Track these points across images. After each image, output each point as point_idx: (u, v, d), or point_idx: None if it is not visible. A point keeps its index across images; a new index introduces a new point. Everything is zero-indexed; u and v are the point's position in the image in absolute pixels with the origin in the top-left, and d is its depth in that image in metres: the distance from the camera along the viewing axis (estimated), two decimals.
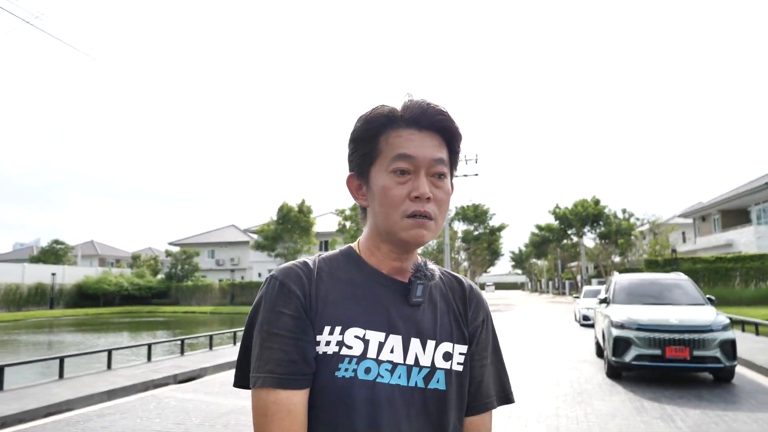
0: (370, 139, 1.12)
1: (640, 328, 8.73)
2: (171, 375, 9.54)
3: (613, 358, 8.96)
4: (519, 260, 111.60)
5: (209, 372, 10.44)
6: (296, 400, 1.01)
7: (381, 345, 1.07)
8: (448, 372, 1.11)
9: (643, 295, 10.21)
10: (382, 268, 1.14)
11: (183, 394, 8.47)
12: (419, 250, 1.17)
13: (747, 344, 12.69)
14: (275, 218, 48.13)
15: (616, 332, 8.98)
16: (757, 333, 15.25)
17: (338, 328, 1.06)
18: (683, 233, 58.56)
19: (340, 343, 1.04)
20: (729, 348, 8.44)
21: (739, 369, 9.82)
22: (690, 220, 55.29)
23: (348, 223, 47.31)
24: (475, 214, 54.29)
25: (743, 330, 16.24)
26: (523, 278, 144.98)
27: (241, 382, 1.11)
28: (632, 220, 55.18)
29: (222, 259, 61.60)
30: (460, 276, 1.26)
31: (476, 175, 42.19)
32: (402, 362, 1.07)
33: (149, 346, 11.54)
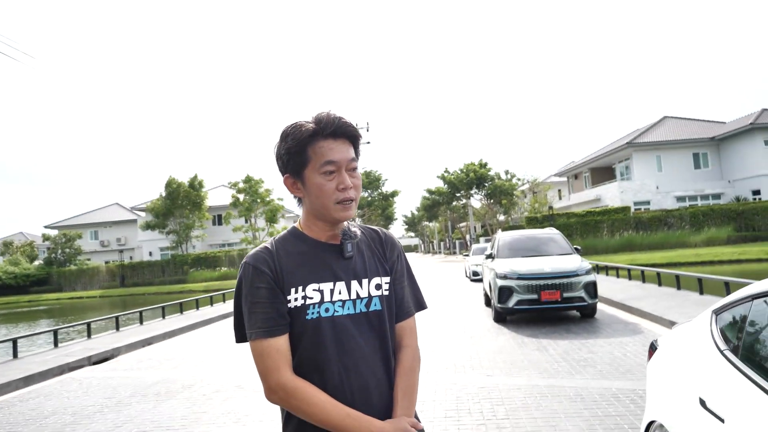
0: (300, 151, 1.57)
1: (520, 277, 10.09)
2: (85, 357, 9.64)
3: (499, 305, 10.28)
4: (412, 223, 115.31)
5: (123, 351, 10.60)
6: (280, 342, 1.53)
7: (331, 291, 1.58)
8: (381, 297, 1.63)
9: (522, 249, 11.63)
10: (320, 238, 1.64)
11: (103, 373, 8.69)
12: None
13: (609, 285, 14.73)
14: (164, 194, 46.46)
15: (500, 282, 10.28)
16: (618, 275, 17.58)
17: (300, 287, 1.56)
18: (559, 191, 63.54)
19: (304, 297, 1.55)
20: (591, 289, 10.02)
21: (601, 305, 11.57)
22: (564, 179, 60.13)
23: (242, 196, 46.73)
24: (368, 181, 55.49)
25: (607, 274, 18.60)
26: (416, 241, 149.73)
27: (239, 339, 1.63)
28: (514, 180, 58.81)
29: (107, 239, 58.50)
30: (377, 228, 1.78)
31: (368, 143, 43.14)
32: (348, 298, 1.59)
33: (55, 332, 11.42)
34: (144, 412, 6.00)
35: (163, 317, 15.40)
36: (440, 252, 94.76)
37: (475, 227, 64.96)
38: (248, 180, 47.48)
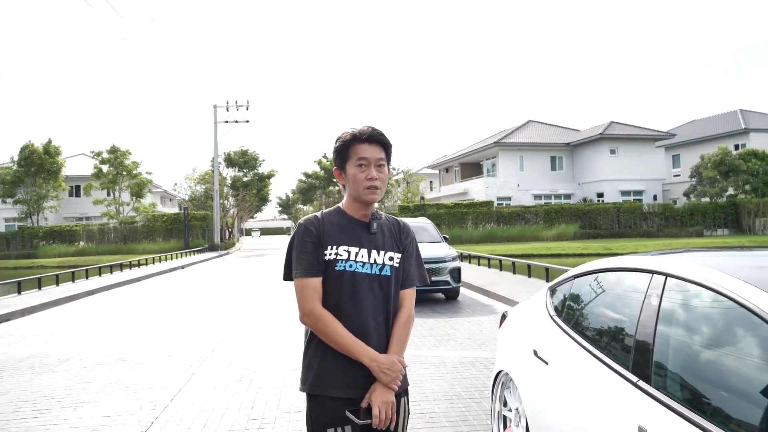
0: (344, 150, 2.15)
1: None
2: None
3: None
4: (286, 206, 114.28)
5: None
6: (316, 282, 2.07)
7: (356, 253, 2.12)
8: (391, 267, 2.15)
9: None
10: (355, 215, 2.18)
11: None
12: (375, 205, 2.28)
13: (471, 272, 16.18)
14: (16, 159, 42.29)
15: None
16: (479, 263, 19.24)
17: (334, 246, 2.11)
18: (431, 182, 66.61)
19: (336, 254, 2.10)
20: (456, 274, 11.12)
21: (463, 289, 12.80)
22: (436, 171, 63.13)
23: (106, 167, 43.82)
24: (243, 160, 54.30)
25: (470, 262, 20.26)
26: (288, 223, 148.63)
27: (286, 278, 2.16)
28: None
29: None
30: (399, 218, 2.32)
31: (247, 121, 42.39)
32: (367, 261, 2.12)
33: None
34: (21, 384, 5.93)
35: (19, 293, 14.45)
36: None
37: None
38: (114, 150, 44.60)
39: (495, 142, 45.22)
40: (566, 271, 12.08)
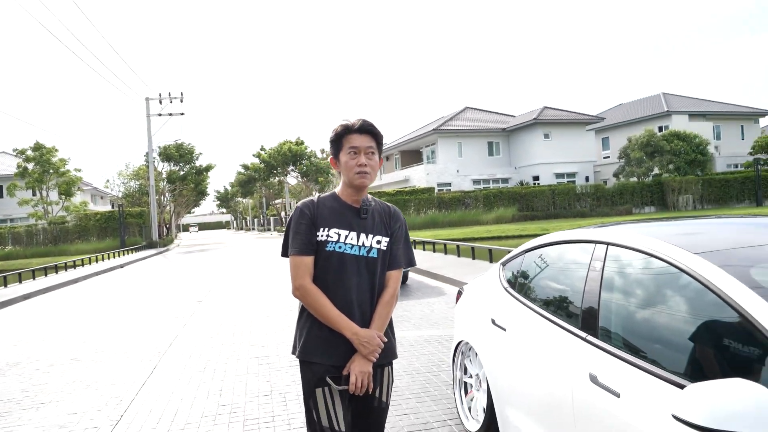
0: (337, 140, 2.33)
1: None
2: None
3: None
4: (224, 199, 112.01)
5: None
6: (308, 260, 2.27)
7: (346, 236, 2.30)
8: (378, 250, 2.33)
9: None
10: (348, 201, 2.35)
11: None
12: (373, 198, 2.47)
13: (418, 257, 16.47)
14: None
15: None
16: (424, 249, 19.70)
17: (326, 228, 2.29)
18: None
19: (328, 235, 2.28)
20: None
21: (411, 274, 13.16)
22: None
23: (31, 166, 41.68)
24: (179, 154, 52.89)
25: (415, 247, 20.70)
26: (227, 217, 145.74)
27: (284, 255, 2.35)
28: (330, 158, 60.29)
29: None
30: (390, 205, 2.47)
31: (182, 114, 41.34)
32: (355, 244, 2.30)
33: None
34: None
35: None
36: (254, 229, 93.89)
37: (290, 204, 65.59)
38: (38, 147, 42.42)
39: (434, 129, 45.93)
40: (508, 252, 12.67)
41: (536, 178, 45.26)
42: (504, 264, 3.77)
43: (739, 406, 1.45)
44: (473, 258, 14.76)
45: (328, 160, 2.44)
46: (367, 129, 2.35)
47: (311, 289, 2.26)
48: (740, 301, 1.80)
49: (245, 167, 66.00)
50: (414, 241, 20.91)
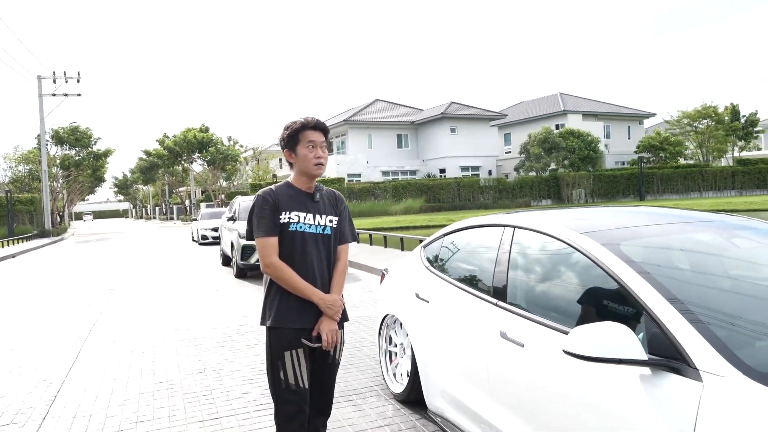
0: (295, 135, 2.67)
1: None
2: None
3: (241, 262, 11.39)
4: (123, 186, 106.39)
5: None
6: (274, 240, 2.61)
7: (304, 217, 2.66)
8: (331, 227, 2.73)
9: None
10: (302, 188, 2.72)
11: None
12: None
13: None
14: None
15: (243, 242, 11.37)
16: None
17: (287, 212, 2.64)
18: (280, 159, 66.27)
19: (289, 218, 2.64)
20: None
21: None
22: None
23: None
24: (75, 137, 49.79)
25: None
26: (125, 205, 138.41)
27: (249, 238, 2.68)
28: (237, 147, 59.22)
29: None
30: (333, 190, 2.86)
31: (79, 95, 38.99)
32: (312, 223, 2.68)
33: None
34: None
35: None
36: (155, 218, 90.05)
37: (195, 192, 63.63)
38: None
39: (344, 120, 46.33)
40: (419, 240, 13.45)
41: (443, 170, 46.91)
42: (425, 246, 4.28)
43: (607, 339, 2.01)
44: (385, 246, 15.37)
45: (283, 153, 2.74)
46: (321, 126, 2.74)
47: (280, 265, 2.62)
48: (613, 268, 2.39)
49: (148, 153, 63.23)
50: None
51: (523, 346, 2.66)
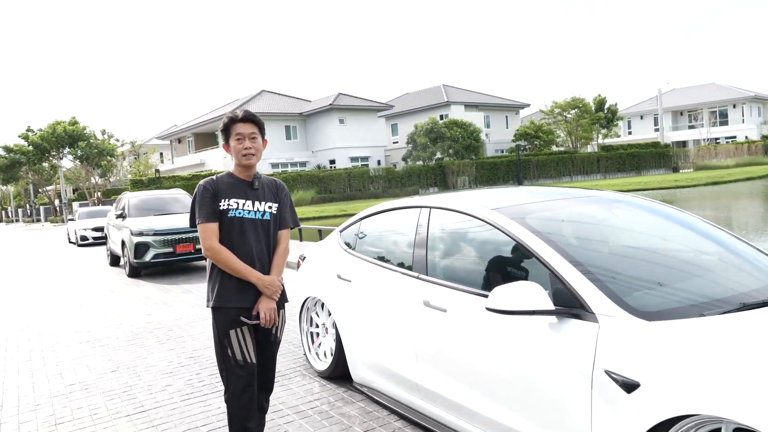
0: (226, 130, 2.83)
1: (157, 233, 10.99)
2: None
3: (135, 260, 10.96)
4: None
5: None
6: (214, 225, 2.77)
7: (243, 204, 2.82)
8: (270, 213, 2.88)
9: (152, 208, 12.42)
10: (241, 177, 2.88)
11: None
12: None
13: None
14: None
15: (136, 239, 10.95)
16: None
17: (226, 199, 2.80)
18: (161, 154, 63.13)
19: (228, 204, 2.79)
20: None
21: None
22: (167, 142, 60.05)
23: None
24: None
25: None
26: None
27: (192, 225, 2.82)
28: (113, 141, 55.75)
29: None
30: (274, 178, 3.01)
31: None
32: (251, 209, 2.83)
33: None
34: None
35: None
36: (18, 220, 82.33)
37: (66, 191, 59.02)
38: None
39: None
40: (317, 231, 13.64)
41: (332, 161, 47.15)
42: (342, 231, 4.52)
43: (522, 295, 2.38)
44: (300, 240, 15.38)
45: (223, 146, 2.88)
46: (249, 118, 2.88)
47: (219, 249, 2.76)
48: (522, 237, 2.77)
49: (8, 150, 57.63)
50: None
51: (445, 311, 3.00)
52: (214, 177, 2.90)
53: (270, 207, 2.94)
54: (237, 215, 2.83)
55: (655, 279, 2.71)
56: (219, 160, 44.52)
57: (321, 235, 14.65)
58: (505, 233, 2.88)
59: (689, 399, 1.93)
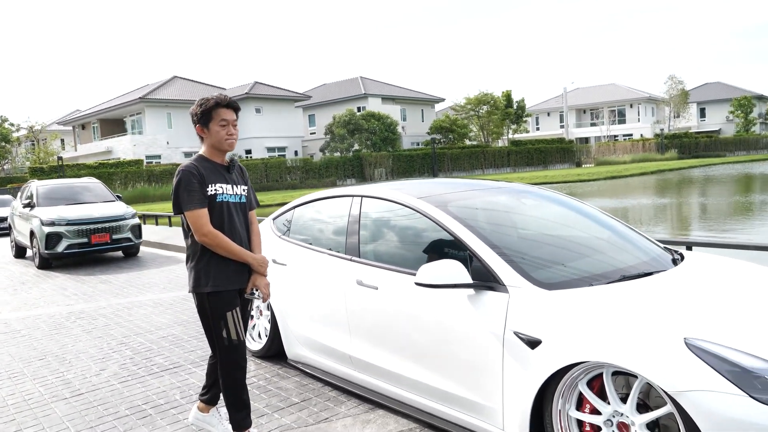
0: (209, 112, 2.87)
1: (70, 223, 10.62)
2: None
3: (46, 251, 10.55)
4: None
5: None
6: (205, 211, 2.84)
7: (226, 188, 2.93)
8: (245, 196, 3.04)
9: (63, 197, 11.94)
10: (216, 160, 2.97)
11: None
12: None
13: (143, 231, 16.21)
14: None
15: (47, 229, 10.54)
16: (145, 222, 19.19)
17: (213, 184, 2.88)
18: (62, 140, 59.44)
19: (215, 190, 2.88)
20: (137, 230, 11.44)
21: (142, 247, 13.07)
22: (70, 128, 56.62)
23: None
24: None
25: (145, 222, 19.91)
26: None
27: (177, 213, 2.87)
28: (7, 125, 52.00)
29: None
30: (242, 165, 3.12)
31: None
32: (233, 193, 2.96)
33: None
34: None
35: None
36: None
37: None
38: None
39: (140, 98, 43.29)
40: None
41: (249, 151, 46.41)
42: (275, 219, 4.77)
43: (445, 271, 2.77)
44: None
45: (195, 127, 2.94)
46: (234, 105, 2.98)
47: (216, 233, 2.86)
48: (445, 223, 3.17)
49: None
50: (144, 215, 20.11)
51: (377, 288, 3.35)
52: (193, 162, 2.94)
53: (244, 190, 3.09)
54: (224, 200, 2.94)
55: (555, 258, 3.20)
56: (128, 148, 42.66)
57: None
58: (430, 219, 3.27)
59: (580, 350, 2.39)
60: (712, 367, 2.11)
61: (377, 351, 3.39)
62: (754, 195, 22.10)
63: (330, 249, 3.91)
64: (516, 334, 2.63)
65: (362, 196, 3.84)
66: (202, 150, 3.05)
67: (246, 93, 44.72)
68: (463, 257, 3.01)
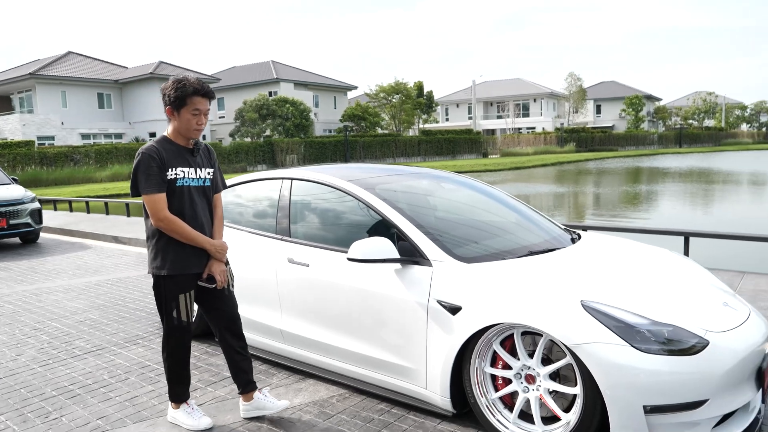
0: (183, 98, 2.83)
1: None
2: None
3: None
4: None
5: None
6: (161, 195, 2.84)
7: (188, 172, 2.94)
8: (210, 179, 3.06)
9: None
10: (180, 143, 2.95)
11: None
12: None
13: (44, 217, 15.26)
14: None
15: None
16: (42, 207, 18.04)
17: (173, 168, 2.88)
18: None
19: (176, 174, 2.89)
20: (37, 215, 10.84)
21: (42, 234, 12.37)
22: None
23: None
24: None
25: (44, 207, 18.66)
26: None
27: (134, 195, 2.88)
28: None
29: None
30: (208, 145, 3.11)
31: None
32: (195, 177, 2.96)
33: None
34: None
35: None
36: None
37: None
38: None
39: (30, 74, 40.22)
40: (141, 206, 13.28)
41: (153, 134, 44.33)
42: None
43: (375, 247, 3.03)
44: (107, 213, 14.59)
45: (165, 110, 2.93)
46: (211, 95, 2.95)
47: (172, 219, 2.87)
48: (374, 204, 3.42)
49: None
50: (40, 200, 18.82)
51: (308, 265, 3.56)
52: (154, 144, 2.92)
53: (209, 173, 3.09)
54: (185, 184, 2.94)
55: (472, 236, 3.56)
56: (16, 128, 39.54)
57: (128, 210, 14.10)
58: (360, 200, 3.51)
59: (495, 313, 2.74)
60: (603, 324, 2.52)
61: (308, 325, 3.60)
62: (640, 186, 24.20)
63: (262, 230, 4.05)
64: (439, 302, 2.94)
65: (292, 179, 4.01)
66: (167, 131, 3.02)
67: (150, 73, 42.69)
68: (390, 235, 3.28)
